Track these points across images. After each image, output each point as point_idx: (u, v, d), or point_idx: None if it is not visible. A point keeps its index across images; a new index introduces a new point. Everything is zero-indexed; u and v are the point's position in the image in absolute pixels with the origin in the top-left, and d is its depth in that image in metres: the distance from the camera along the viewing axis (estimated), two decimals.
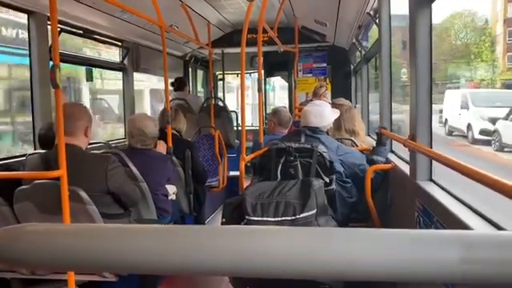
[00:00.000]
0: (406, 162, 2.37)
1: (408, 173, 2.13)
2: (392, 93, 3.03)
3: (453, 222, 1.44)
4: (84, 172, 2.15)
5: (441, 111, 14.27)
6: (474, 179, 1.17)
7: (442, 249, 0.56)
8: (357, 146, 2.99)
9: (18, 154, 2.98)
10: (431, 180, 1.95)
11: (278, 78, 8.28)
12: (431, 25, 1.99)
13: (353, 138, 3.06)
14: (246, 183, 2.55)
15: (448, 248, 0.56)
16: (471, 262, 0.55)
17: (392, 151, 2.92)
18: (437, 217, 1.63)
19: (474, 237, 0.58)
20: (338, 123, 3.07)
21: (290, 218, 1.94)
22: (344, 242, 0.60)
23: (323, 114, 2.64)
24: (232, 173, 5.09)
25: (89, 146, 2.41)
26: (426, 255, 0.56)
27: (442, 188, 1.81)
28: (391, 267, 0.58)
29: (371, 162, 2.62)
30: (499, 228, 1.34)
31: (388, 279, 0.60)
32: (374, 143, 2.90)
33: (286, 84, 7.39)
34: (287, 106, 6.33)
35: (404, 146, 2.10)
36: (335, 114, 2.77)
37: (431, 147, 1.93)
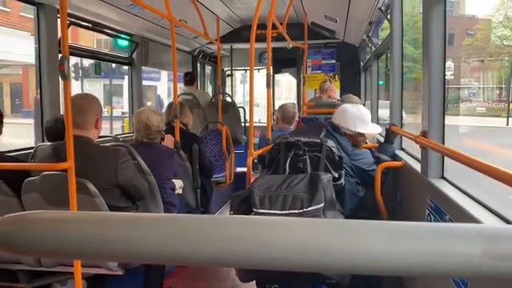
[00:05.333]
0: (417, 160, 2.33)
1: (419, 170, 2.10)
2: (403, 89, 2.99)
3: (466, 219, 1.41)
4: (94, 164, 2.15)
5: None
6: (490, 176, 1.14)
7: (462, 243, 0.54)
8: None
9: (25, 147, 2.99)
10: (443, 177, 1.92)
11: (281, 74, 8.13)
12: (445, 20, 1.95)
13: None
14: (253, 180, 2.53)
15: (467, 242, 0.54)
16: (493, 257, 0.52)
17: (402, 148, 2.89)
18: (449, 215, 1.60)
19: (494, 230, 0.56)
20: None
21: (297, 211, 1.92)
22: (357, 234, 0.58)
23: (345, 113, 2.60)
24: (239, 169, 5.08)
25: (96, 140, 2.41)
26: (445, 249, 0.54)
27: (455, 186, 1.78)
28: (407, 261, 0.56)
29: (376, 160, 2.59)
30: None
31: (404, 274, 0.58)
32: (378, 137, 2.87)
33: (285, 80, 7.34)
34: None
35: (415, 142, 2.06)
36: (375, 127, 2.70)
37: (443, 144, 1.90)
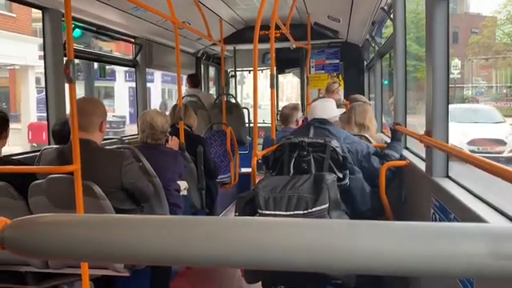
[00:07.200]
0: (422, 159, 2.33)
1: (423, 169, 2.10)
2: (407, 88, 2.99)
3: (471, 218, 1.41)
4: (99, 167, 2.16)
5: None
6: (495, 175, 1.14)
7: (468, 242, 0.54)
8: (371, 142, 2.95)
9: (30, 150, 3.01)
10: (448, 177, 1.92)
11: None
12: (448, 18, 1.95)
13: (366, 135, 3.03)
14: (257, 180, 2.54)
15: (474, 242, 0.54)
16: (499, 257, 0.52)
17: (406, 148, 2.88)
18: (454, 214, 1.60)
19: (501, 230, 0.56)
20: (348, 116, 3.10)
21: (302, 212, 1.93)
22: (362, 234, 0.58)
23: (327, 107, 2.75)
24: (243, 169, 5.09)
25: (102, 142, 2.42)
26: (451, 249, 0.54)
27: (460, 185, 1.77)
28: (412, 261, 0.56)
29: (384, 157, 2.58)
30: None
31: (409, 274, 0.58)
32: (385, 139, 2.87)
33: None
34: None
35: (420, 141, 2.06)
36: (340, 109, 2.91)
37: (448, 143, 1.89)
